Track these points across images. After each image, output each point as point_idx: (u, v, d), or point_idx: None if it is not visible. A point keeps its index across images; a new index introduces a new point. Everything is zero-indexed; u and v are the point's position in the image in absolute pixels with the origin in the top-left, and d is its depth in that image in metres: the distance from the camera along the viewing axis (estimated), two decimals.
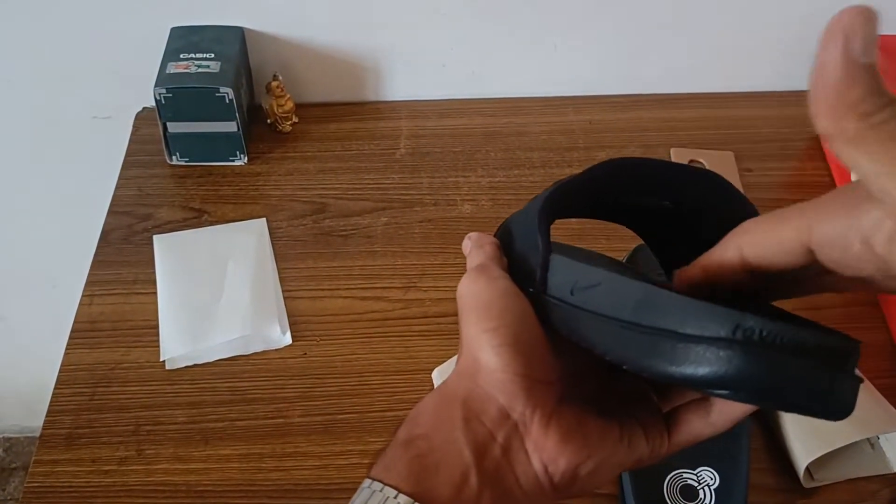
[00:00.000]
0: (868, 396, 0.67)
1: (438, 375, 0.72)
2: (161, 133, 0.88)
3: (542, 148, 0.94)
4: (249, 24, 0.93)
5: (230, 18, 0.92)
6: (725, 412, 0.39)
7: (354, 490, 0.37)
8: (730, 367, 0.32)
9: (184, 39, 0.90)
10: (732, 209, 0.42)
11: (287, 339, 0.76)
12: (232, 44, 0.90)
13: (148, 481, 0.67)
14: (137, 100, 0.96)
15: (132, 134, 0.95)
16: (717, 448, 0.65)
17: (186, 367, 0.74)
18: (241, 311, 0.77)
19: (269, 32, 0.94)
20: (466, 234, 0.46)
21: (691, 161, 0.90)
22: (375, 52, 0.96)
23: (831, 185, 0.89)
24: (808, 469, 0.65)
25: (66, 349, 0.75)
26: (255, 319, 0.76)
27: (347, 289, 0.80)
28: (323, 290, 0.80)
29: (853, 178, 0.73)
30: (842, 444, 0.63)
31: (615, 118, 0.98)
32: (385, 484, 0.36)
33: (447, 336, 0.76)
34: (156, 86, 0.84)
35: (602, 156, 0.93)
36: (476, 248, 0.44)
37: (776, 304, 0.39)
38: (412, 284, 0.80)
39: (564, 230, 0.81)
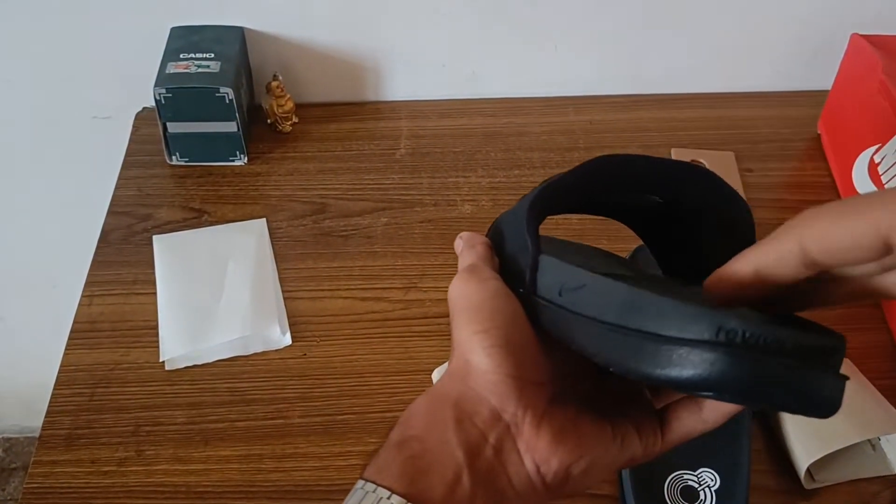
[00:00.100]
0: (869, 397, 0.67)
1: (438, 376, 0.72)
2: (161, 133, 0.88)
3: (542, 148, 0.94)
4: (249, 24, 0.93)
5: (230, 18, 0.92)
6: (718, 409, 0.40)
7: (350, 492, 0.37)
8: (713, 369, 0.32)
9: (184, 39, 0.90)
10: (722, 202, 0.42)
11: (287, 340, 0.76)
12: (232, 44, 0.90)
13: (147, 482, 0.67)
14: (137, 100, 0.96)
15: (132, 134, 0.95)
16: (717, 449, 0.65)
17: (186, 367, 0.74)
18: (240, 311, 0.77)
19: (269, 32, 0.94)
20: None
21: (692, 161, 0.90)
22: (375, 52, 0.96)
23: (831, 185, 0.89)
24: (808, 470, 0.65)
25: (66, 350, 0.75)
26: (255, 320, 0.76)
27: (347, 289, 0.80)
28: (323, 290, 0.80)
29: (855, 183, 0.71)
30: (843, 446, 0.63)
31: (616, 118, 0.98)
32: (378, 485, 0.36)
33: (447, 337, 0.74)
34: (156, 86, 0.84)
35: None
36: (467, 249, 0.44)
37: None
38: (412, 285, 0.80)
39: (565, 230, 0.81)
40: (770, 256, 0.34)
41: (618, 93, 1.00)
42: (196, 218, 0.86)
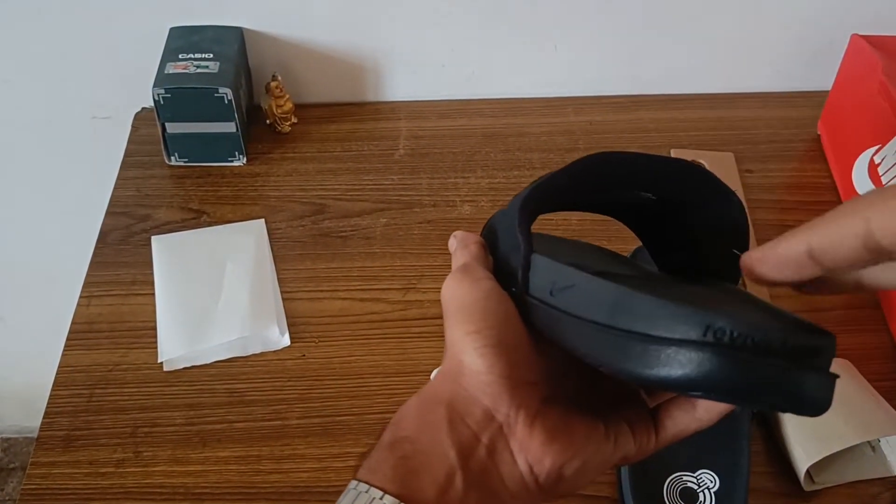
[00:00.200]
0: (868, 399, 0.66)
1: None
2: (160, 133, 0.88)
3: (542, 149, 0.94)
4: (249, 25, 0.93)
5: (229, 18, 0.92)
6: (712, 408, 0.39)
7: (343, 493, 0.37)
8: (700, 369, 0.32)
9: (183, 39, 0.90)
10: (714, 198, 0.42)
11: (285, 341, 0.75)
12: (231, 44, 0.90)
13: (145, 483, 0.67)
14: (136, 100, 0.96)
15: (131, 134, 0.95)
16: (717, 451, 0.65)
17: (184, 368, 0.74)
18: (239, 312, 0.77)
19: (268, 33, 0.94)
20: None
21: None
22: (375, 53, 0.96)
23: (832, 186, 0.89)
24: (808, 472, 0.65)
25: (64, 350, 0.75)
26: (254, 321, 0.76)
27: (346, 290, 0.80)
28: (322, 291, 0.80)
29: (855, 183, 0.71)
30: (842, 447, 0.63)
31: (615, 119, 0.98)
32: (371, 485, 0.36)
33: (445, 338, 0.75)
34: (154, 86, 0.84)
35: None
36: (461, 248, 0.44)
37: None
38: (411, 286, 0.80)
39: (564, 230, 0.81)
40: (829, 236, 0.32)
41: (618, 93, 1.00)
42: (195, 218, 0.86)
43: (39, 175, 1.08)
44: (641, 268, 0.49)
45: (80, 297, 0.79)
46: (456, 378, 0.39)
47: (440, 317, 0.80)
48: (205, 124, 0.87)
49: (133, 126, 0.96)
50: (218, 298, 0.78)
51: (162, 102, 0.85)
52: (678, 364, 0.32)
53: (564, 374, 0.42)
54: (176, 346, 0.75)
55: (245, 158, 0.91)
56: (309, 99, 0.99)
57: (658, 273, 0.48)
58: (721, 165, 0.90)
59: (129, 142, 0.94)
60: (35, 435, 0.70)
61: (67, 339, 0.76)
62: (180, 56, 0.87)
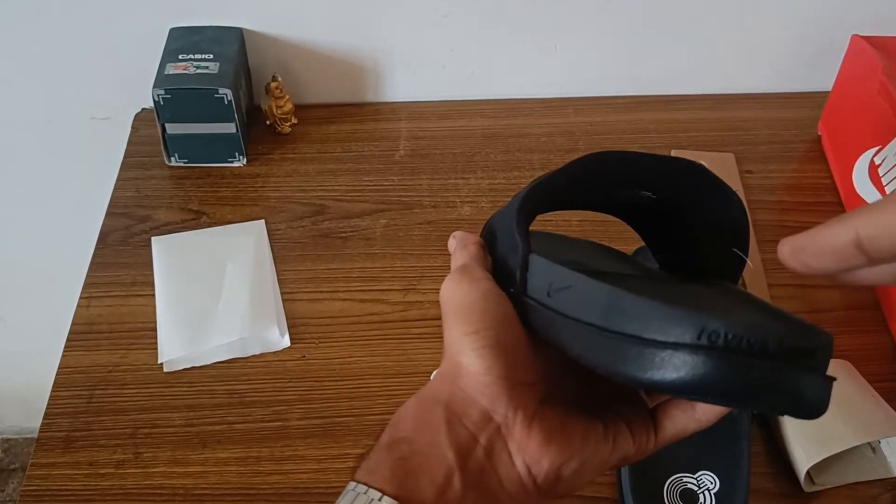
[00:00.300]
0: (868, 401, 0.66)
1: None
2: (160, 134, 0.88)
3: (542, 150, 0.94)
4: (249, 25, 0.93)
5: (229, 19, 0.92)
6: (710, 408, 0.39)
7: (342, 494, 0.37)
8: (695, 372, 0.32)
9: (183, 40, 0.90)
10: (712, 195, 0.42)
11: (285, 342, 0.75)
12: (231, 44, 0.90)
13: (145, 484, 0.67)
14: (136, 100, 0.96)
15: (131, 135, 0.95)
16: (717, 452, 0.65)
17: (184, 369, 0.74)
18: (239, 313, 0.76)
19: (268, 33, 0.94)
20: None
21: None
22: (375, 53, 0.96)
23: (832, 186, 0.89)
24: (808, 473, 0.65)
25: (64, 351, 0.75)
26: (254, 322, 0.76)
27: (346, 291, 0.80)
28: (322, 292, 0.80)
29: (855, 184, 0.71)
30: (842, 449, 0.63)
31: (616, 120, 0.98)
32: (370, 486, 0.36)
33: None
34: (154, 87, 0.84)
35: None
36: (460, 249, 0.44)
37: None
38: (411, 287, 0.80)
39: (565, 230, 0.81)
40: (881, 225, 0.31)
41: (618, 94, 1.00)
42: (195, 219, 0.86)
43: (39, 175, 1.08)
44: (642, 266, 0.49)
45: (80, 297, 0.79)
46: (454, 379, 0.39)
47: (440, 318, 0.80)
48: (205, 125, 0.87)
49: (133, 127, 0.96)
50: (218, 299, 0.78)
51: (162, 103, 0.85)
52: (673, 367, 0.32)
53: (563, 374, 0.42)
54: (176, 347, 0.75)
55: (245, 159, 0.91)
56: (309, 100, 0.99)
57: (658, 272, 0.48)
58: (721, 166, 0.90)
59: (129, 142, 0.94)
60: (35, 435, 0.70)
61: (67, 340, 0.76)
62: (180, 57, 0.87)
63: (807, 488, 0.65)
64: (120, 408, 0.71)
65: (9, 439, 1.64)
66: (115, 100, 0.98)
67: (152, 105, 0.85)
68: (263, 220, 0.85)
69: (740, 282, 0.42)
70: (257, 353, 0.75)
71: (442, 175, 0.90)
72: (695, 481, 0.64)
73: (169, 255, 0.82)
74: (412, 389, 0.71)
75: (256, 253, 0.82)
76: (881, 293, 0.78)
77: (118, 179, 0.90)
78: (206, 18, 0.92)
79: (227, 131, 0.88)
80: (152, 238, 0.83)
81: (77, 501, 0.66)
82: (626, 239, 0.53)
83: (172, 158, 0.90)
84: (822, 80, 0.96)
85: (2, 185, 1.10)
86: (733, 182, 0.88)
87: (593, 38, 0.97)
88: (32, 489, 0.67)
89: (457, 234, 0.46)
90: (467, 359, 0.38)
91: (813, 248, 0.34)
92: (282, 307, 0.78)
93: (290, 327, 0.76)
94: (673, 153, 0.92)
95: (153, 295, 0.79)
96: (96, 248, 0.83)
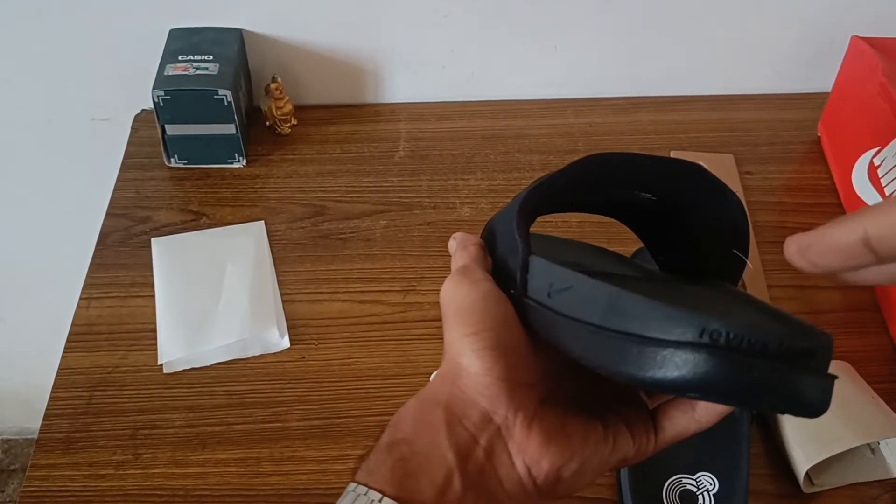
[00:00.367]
0: (868, 402, 0.66)
1: None
2: (159, 135, 0.88)
3: (541, 151, 0.94)
4: (248, 26, 0.93)
5: (229, 20, 0.92)
6: (711, 409, 0.40)
7: (342, 495, 0.37)
8: (697, 371, 0.32)
9: (182, 41, 0.90)
10: (712, 197, 0.42)
11: (285, 343, 0.75)
12: (231, 45, 0.90)
13: (145, 485, 0.67)
14: (136, 101, 0.96)
15: (130, 136, 0.95)
16: (716, 453, 0.65)
17: (184, 370, 0.74)
18: (239, 314, 0.76)
19: (268, 34, 0.94)
20: None
21: None
22: (375, 54, 0.96)
23: (832, 188, 0.89)
24: (808, 474, 0.65)
25: (64, 352, 0.75)
26: (254, 323, 0.76)
27: (346, 292, 0.80)
28: (321, 293, 0.80)
29: (855, 185, 0.71)
30: (842, 450, 0.63)
31: (615, 121, 0.98)
32: (370, 487, 0.36)
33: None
34: (154, 88, 0.84)
35: None
36: (460, 250, 0.44)
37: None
38: (411, 288, 0.80)
39: (564, 232, 0.81)
40: (888, 225, 0.31)
41: (617, 95, 1.00)
42: (194, 220, 0.86)
43: (39, 176, 1.08)
44: (642, 267, 0.49)
45: (80, 298, 0.79)
46: (454, 380, 0.39)
47: (440, 319, 0.80)
48: (204, 126, 0.87)
49: (132, 128, 0.96)
50: (218, 300, 0.78)
51: (161, 104, 0.85)
52: (674, 366, 0.32)
53: (562, 375, 0.42)
54: (175, 349, 0.75)
55: (245, 160, 0.91)
56: (308, 101, 0.99)
57: (658, 273, 0.48)
58: (721, 167, 0.90)
59: (129, 143, 0.94)
60: (35, 436, 0.70)
61: (67, 341, 0.76)
62: (180, 58, 0.87)
63: (806, 489, 0.65)
64: (120, 409, 0.71)
65: (9, 440, 1.64)
66: (115, 100, 0.98)
67: (152, 106, 0.85)
68: (263, 222, 0.85)
69: (740, 283, 0.42)
70: (257, 354, 0.75)
71: (441, 176, 0.91)
72: (694, 482, 0.64)
73: (169, 256, 0.82)
74: (411, 390, 0.72)
75: (256, 254, 0.82)
76: (881, 295, 0.79)
77: (118, 180, 0.90)
78: (206, 19, 0.92)
79: (226, 132, 0.88)
80: (152, 239, 0.83)
81: (77, 502, 0.66)
82: (624, 240, 0.53)
83: (172, 159, 0.90)
84: (822, 81, 0.96)
85: (2, 186, 1.10)
86: (733, 183, 0.88)
87: (593, 39, 0.97)
88: (32, 490, 0.67)
89: (457, 235, 0.46)
90: (467, 360, 0.39)
91: (820, 247, 0.34)
92: (281, 308, 0.78)
93: (289, 328, 0.76)
94: (672, 154, 0.92)
95: (153, 296, 0.79)
96: (96, 249, 0.83)
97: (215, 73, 0.86)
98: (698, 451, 0.65)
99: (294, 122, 0.95)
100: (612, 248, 0.52)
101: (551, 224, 0.82)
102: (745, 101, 1.00)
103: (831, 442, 0.63)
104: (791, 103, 0.99)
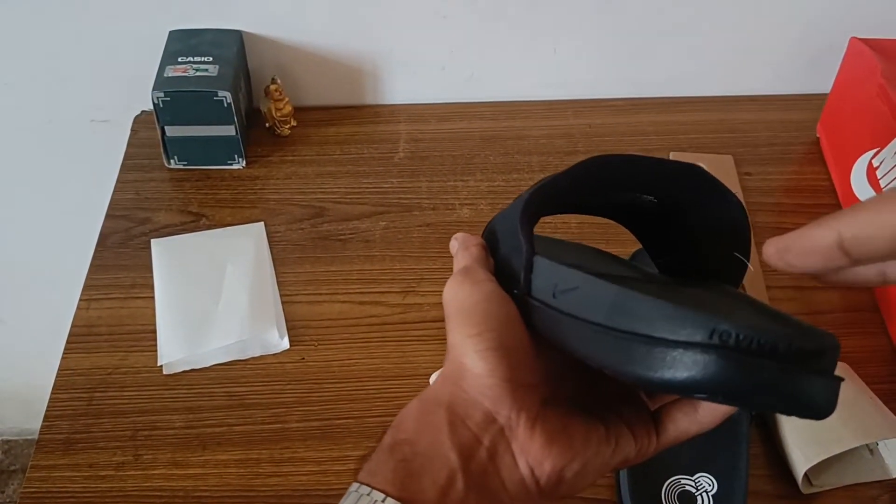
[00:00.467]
0: (867, 402, 0.66)
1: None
2: (159, 137, 0.88)
3: (541, 152, 0.94)
4: (248, 28, 0.93)
5: (229, 22, 0.92)
6: (713, 410, 0.39)
7: (344, 495, 0.37)
8: (706, 371, 0.32)
9: (182, 43, 0.90)
10: (715, 200, 0.42)
11: (285, 344, 0.76)
12: (230, 47, 0.90)
13: (145, 486, 0.67)
14: (136, 103, 0.96)
15: (130, 137, 0.95)
16: (715, 454, 0.65)
17: (184, 371, 0.74)
18: (238, 315, 0.77)
19: (267, 36, 0.94)
20: None
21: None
22: (374, 56, 0.96)
23: (830, 189, 0.89)
24: (806, 475, 0.65)
25: (64, 353, 0.75)
26: (253, 324, 0.76)
27: (346, 293, 0.80)
28: (321, 294, 0.80)
29: (854, 186, 0.71)
30: (840, 451, 0.63)
31: (615, 122, 0.98)
32: (373, 488, 0.36)
33: (445, 341, 0.75)
34: (154, 89, 0.84)
35: None
36: (462, 250, 0.44)
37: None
38: (410, 289, 0.80)
39: (563, 233, 0.81)
40: (861, 228, 0.32)
41: (617, 96, 1.00)
42: (194, 222, 0.86)
43: (39, 177, 1.08)
44: (641, 270, 0.49)
45: (80, 300, 0.79)
46: (457, 380, 0.39)
47: (439, 320, 0.80)
48: (204, 127, 0.87)
49: (132, 129, 0.96)
50: (217, 302, 0.78)
51: (161, 106, 0.85)
52: (683, 366, 0.32)
53: (563, 375, 0.42)
54: (175, 350, 0.75)
55: (244, 161, 0.91)
56: (308, 102, 0.99)
57: (658, 275, 0.48)
58: (720, 168, 0.90)
59: (129, 145, 0.94)
60: (36, 437, 0.70)
61: (67, 343, 0.76)
62: (179, 59, 0.87)
63: (805, 490, 0.65)
64: (120, 410, 0.71)
65: (9, 440, 1.64)
66: (115, 102, 0.98)
67: (152, 107, 0.85)
68: (263, 223, 0.85)
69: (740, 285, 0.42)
70: (257, 355, 0.75)
71: (441, 177, 0.91)
72: (693, 483, 0.64)
73: (168, 257, 0.82)
74: (411, 391, 0.72)
75: (256, 255, 0.82)
76: (880, 296, 0.79)
77: (118, 182, 0.90)
78: (206, 21, 0.92)
79: (226, 134, 0.88)
80: (152, 240, 0.83)
81: (76, 503, 0.66)
82: (623, 242, 0.53)
83: (172, 161, 0.90)
84: (821, 82, 0.96)
85: (2, 186, 1.10)
86: (732, 184, 0.89)
87: (592, 40, 0.97)
88: (32, 491, 0.67)
89: (458, 235, 0.46)
90: (470, 360, 0.39)
91: (797, 249, 0.34)
92: (281, 309, 0.78)
93: (289, 329, 0.77)
94: (672, 155, 0.92)
95: (153, 297, 0.79)
96: (96, 251, 0.83)
97: (215, 74, 0.86)
98: (697, 451, 0.65)
99: (294, 123, 0.95)
100: (610, 250, 0.52)
101: (550, 225, 0.82)
102: (745, 102, 1.00)
103: (830, 443, 0.63)
104: (790, 104, 0.99)
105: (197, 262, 0.81)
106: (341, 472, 0.68)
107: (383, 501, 0.36)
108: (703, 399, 0.37)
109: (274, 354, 0.75)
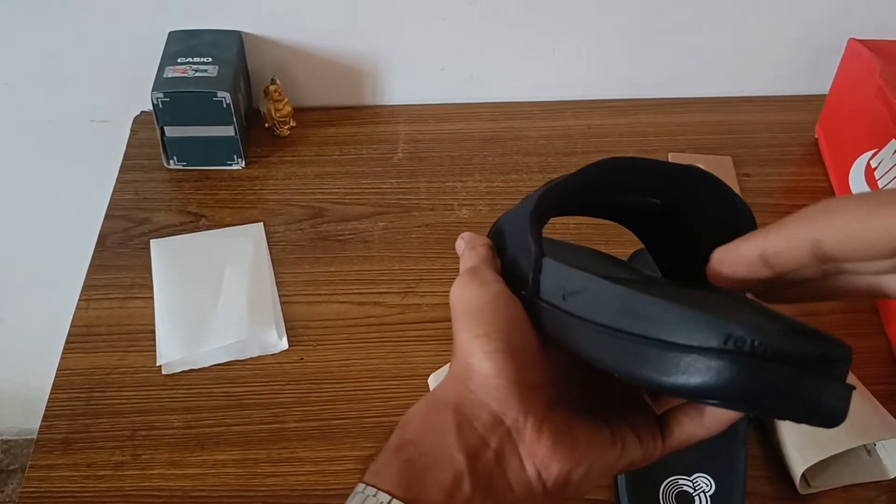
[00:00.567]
0: (864, 403, 0.67)
1: (434, 381, 0.72)
2: (159, 137, 0.88)
3: (540, 153, 0.94)
4: (247, 28, 0.93)
5: (228, 22, 0.92)
6: (719, 416, 0.39)
7: (350, 496, 0.37)
8: (720, 377, 0.32)
9: (182, 43, 0.90)
10: (722, 206, 0.42)
11: (283, 344, 0.76)
12: (230, 48, 0.90)
13: (143, 486, 0.67)
14: (135, 103, 0.97)
15: (130, 137, 0.95)
16: (713, 455, 0.65)
17: (183, 371, 0.74)
18: (237, 315, 0.77)
19: (267, 36, 0.94)
20: None
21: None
22: (374, 56, 0.96)
23: (829, 189, 0.89)
24: (804, 476, 0.65)
25: (63, 353, 0.75)
26: (252, 324, 0.76)
27: (344, 294, 0.80)
28: (320, 294, 0.80)
29: (852, 187, 0.71)
30: (838, 451, 0.63)
31: (614, 123, 0.98)
32: (378, 489, 0.36)
33: (444, 341, 0.75)
34: (153, 90, 0.84)
35: None
36: (469, 250, 0.44)
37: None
38: (409, 289, 0.80)
39: (562, 234, 0.81)
40: (779, 243, 0.34)
41: (616, 97, 1.00)
42: (193, 222, 0.86)
43: (39, 177, 1.08)
44: (643, 273, 0.49)
45: (79, 300, 0.79)
46: (464, 381, 0.39)
47: (438, 320, 0.81)
48: (203, 128, 0.87)
49: (132, 129, 0.96)
50: (216, 302, 0.78)
51: (161, 106, 0.85)
52: (697, 372, 0.32)
53: (568, 376, 0.42)
54: (174, 350, 0.75)
55: (244, 162, 0.91)
56: (307, 102, 0.99)
57: (661, 279, 0.48)
58: (719, 169, 0.90)
59: (128, 145, 0.94)
60: (35, 437, 0.70)
61: (66, 342, 0.76)
62: (179, 60, 0.88)
63: (802, 491, 0.65)
64: (118, 410, 0.71)
65: (8, 440, 1.64)
66: (115, 102, 0.98)
67: (151, 108, 0.85)
68: (262, 223, 0.86)
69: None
70: (255, 355, 0.75)
71: (440, 178, 0.91)
72: (691, 484, 0.64)
73: (168, 257, 0.82)
74: (410, 392, 0.72)
75: (255, 255, 0.82)
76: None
77: (117, 182, 0.90)
78: (205, 22, 0.92)
79: (225, 134, 0.88)
80: (151, 241, 0.83)
81: (75, 503, 0.66)
82: (623, 242, 0.53)
83: (171, 161, 0.90)
84: (820, 83, 0.96)
85: (2, 186, 1.10)
86: (731, 185, 0.88)
87: (592, 41, 0.97)
88: (31, 490, 0.67)
89: (465, 235, 0.45)
90: (478, 361, 0.38)
91: (728, 261, 0.37)
92: (280, 310, 0.78)
93: (288, 330, 0.77)
94: (670, 156, 0.92)
95: (152, 297, 0.79)
96: (95, 251, 0.83)
97: (214, 75, 0.86)
98: (695, 452, 0.65)
99: (293, 123, 0.95)
100: (610, 250, 0.52)
101: (548, 226, 0.82)
102: (744, 103, 1.00)
103: (828, 443, 0.63)
104: (789, 106, 1.00)
105: (196, 263, 0.81)
106: (339, 473, 0.68)
107: (389, 503, 0.35)
108: (715, 405, 0.36)
109: (272, 355, 0.75)
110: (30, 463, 0.68)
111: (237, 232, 0.85)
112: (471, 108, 0.99)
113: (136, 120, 0.97)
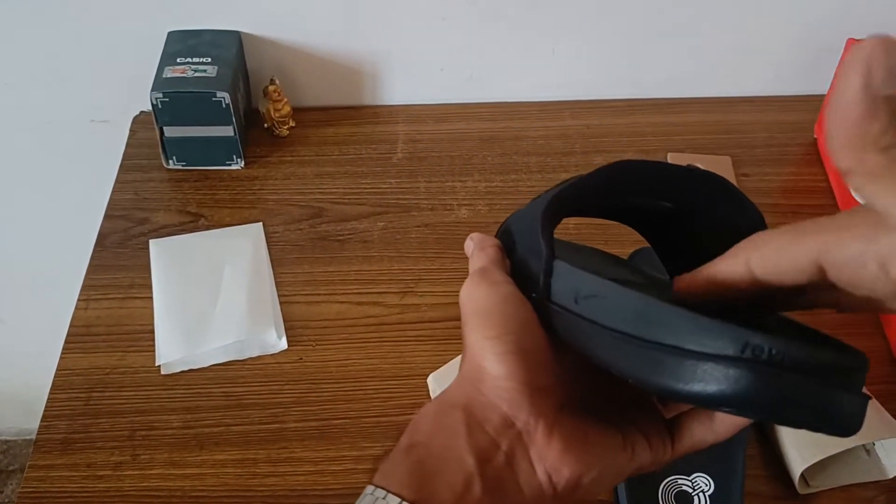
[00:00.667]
0: None
1: (434, 381, 0.72)
2: (158, 137, 0.88)
3: (539, 153, 0.94)
4: (247, 29, 0.93)
5: (227, 22, 0.92)
6: (728, 421, 0.39)
7: (349, 496, 0.37)
8: (737, 386, 0.31)
9: (181, 43, 0.90)
10: (734, 210, 0.42)
11: (283, 344, 0.76)
12: (229, 48, 0.90)
13: (143, 486, 0.67)
14: (135, 103, 0.96)
15: (129, 138, 0.95)
16: (712, 454, 0.65)
17: (182, 371, 0.74)
18: (236, 315, 0.77)
19: (266, 36, 0.94)
20: (463, 238, 0.46)
21: (688, 165, 0.90)
22: (373, 56, 0.96)
23: (828, 190, 0.89)
24: (803, 476, 0.65)
25: (62, 353, 0.75)
26: (251, 324, 0.76)
27: (344, 294, 0.80)
28: (319, 294, 0.80)
29: (854, 194, 0.71)
30: (837, 451, 0.63)
31: (613, 123, 0.98)
32: (388, 491, 0.36)
33: (443, 341, 0.75)
34: (152, 90, 0.84)
35: (599, 160, 0.92)
36: (478, 251, 0.44)
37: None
38: (409, 289, 0.80)
39: (562, 233, 0.81)
40: (720, 272, 0.36)
41: (615, 97, 1.00)
42: (193, 222, 0.86)
43: (39, 177, 1.08)
44: (650, 275, 0.48)
45: (79, 300, 0.79)
46: (474, 382, 0.39)
47: (437, 320, 0.81)
48: (203, 128, 0.87)
49: (131, 129, 0.96)
50: (216, 302, 0.78)
51: (160, 106, 0.85)
52: (714, 380, 0.32)
53: (576, 379, 0.42)
54: (173, 350, 0.75)
55: (243, 162, 0.91)
56: (307, 102, 0.99)
57: (663, 280, 0.48)
58: (718, 169, 0.90)
59: (128, 145, 0.94)
60: (34, 437, 0.70)
61: (65, 343, 0.76)
62: (178, 60, 0.88)
63: (801, 491, 0.65)
64: (117, 410, 0.71)
65: (8, 440, 1.64)
66: (114, 102, 0.98)
67: (150, 108, 0.85)
68: (261, 223, 0.86)
69: None
70: (255, 355, 0.75)
71: (439, 178, 0.91)
72: (690, 484, 0.64)
73: (167, 257, 0.82)
74: (409, 392, 0.72)
75: (254, 255, 0.82)
76: None
77: (116, 182, 0.90)
78: (204, 22, 0.92)
79: (225, 134, 0.88)
80: (150, 241, 0.84)
81: (75, 503, 0.66)
82: (622, 242, 0.53)
83: (170, 161, 0.90)
84: (819, 83, 0.96)
85: (2, 186, 1.10)
86: None
87: (591, 41, 0.97)
88: (30, 491, 0.67)
89: (474, 235, 0.45)
90: (489, 363, 0.38)
91: (682, 283, 0.38)
92: (279, 310, 0.78)
93: (287, 330, 0.77)
94: (669, 156, 0.92)
95: (151, 297, 0.79)
96: (94, 251, 0.83)
97: (213, 75, 0.86)
98: (694, 452, 0.65)
99: (292, 123, 0.95)
100: (610, 250, 0.52)
101: None
102: (743, 103, 1.00)
103: (826, 443, 0.63)
104: (788, 106, 1.00)
105: (195, 263, 0.81)
106: (338, 473, 0.68)
107: None
108: (730, 412, 0.36)
109: (272, 355, 0.75)
110: (29, 463, 0.68)
111: (236, 232, 0.85)
112: (470, 108, 0.99)
113: (135, 120, 0.97)
